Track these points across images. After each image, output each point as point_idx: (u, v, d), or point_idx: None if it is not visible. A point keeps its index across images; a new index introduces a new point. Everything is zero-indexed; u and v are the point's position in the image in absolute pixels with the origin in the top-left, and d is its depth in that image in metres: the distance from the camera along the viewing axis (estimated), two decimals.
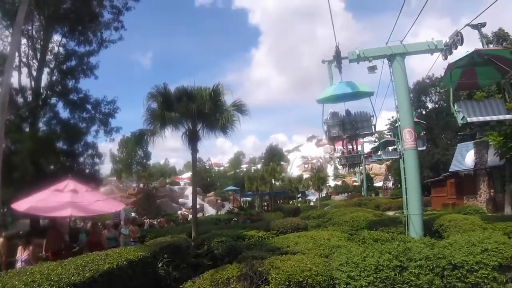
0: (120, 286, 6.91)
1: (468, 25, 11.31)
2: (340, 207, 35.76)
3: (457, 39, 11.32)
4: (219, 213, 46.99)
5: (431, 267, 6.97)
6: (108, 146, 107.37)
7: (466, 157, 26.38)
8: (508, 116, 10.94)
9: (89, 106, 24.60)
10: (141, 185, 54.87)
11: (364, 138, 34.39)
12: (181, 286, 7.36)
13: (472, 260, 6.97)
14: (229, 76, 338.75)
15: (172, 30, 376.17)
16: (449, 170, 27.41)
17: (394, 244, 8.19)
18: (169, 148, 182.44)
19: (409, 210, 12.70)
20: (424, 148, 17.64)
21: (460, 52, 11.06)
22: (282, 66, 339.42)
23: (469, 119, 10.48)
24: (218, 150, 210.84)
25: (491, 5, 8.97)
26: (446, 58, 12.15)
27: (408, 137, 12.27)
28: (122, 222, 33.93)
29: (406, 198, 12.90)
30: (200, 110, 14.75)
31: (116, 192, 58.85)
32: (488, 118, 10.72)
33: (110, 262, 6.87)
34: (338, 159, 23.35)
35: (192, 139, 15.73)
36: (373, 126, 14.84)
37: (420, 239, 10.47)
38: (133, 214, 42.04)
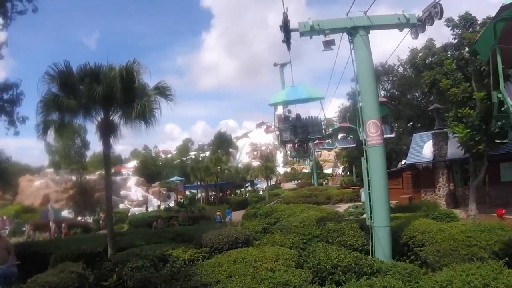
0: None
1: None
2: (290, 200, 33.88)
3: (435, 12, 9.53)
4: (162, 207, 43.29)
5: None
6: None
7: (423, 149, 24.73)
8: None
9: None
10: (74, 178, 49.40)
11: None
12: None
13: None
14: (179, 59, 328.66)
15: (120, 9, 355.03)
16: (406, 163, 25.80)
17: None
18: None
19: (375, 221, 10.28)
20: (392, 135, 15.78)
21: (436, 29, 8.61)
22: (233, 51, 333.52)
23: None
24: (167, 136, 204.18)
25: None
26: (416, 37, 10.66)
27: (373, 130, 9.75)
28: (51, 223, 29.86)
29: (370, 205, 10.44)
30: (108, 95, 11.33)
31: (51, 186, 53.09)
32: None
33: None
34: (288, 152, 21.11)
35: (103, 131, 12.31)
36: (323, 130, 15.25)
37: (395, 268, 8.03)
38: (62, 213, 37.36)
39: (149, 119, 11.88)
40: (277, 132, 15.76)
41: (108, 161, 13.08)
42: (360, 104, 10.32)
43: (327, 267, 8.58)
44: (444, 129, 23.12)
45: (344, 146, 22.00)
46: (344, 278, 8.26)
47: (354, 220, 15.41)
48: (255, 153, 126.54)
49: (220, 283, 7.96)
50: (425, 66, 20.34)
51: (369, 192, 10.36)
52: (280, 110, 17.23)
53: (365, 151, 10.06)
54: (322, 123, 15.27)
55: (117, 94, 11.31)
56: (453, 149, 21.80)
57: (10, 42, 20.54)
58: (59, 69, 11.65)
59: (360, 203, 28.17)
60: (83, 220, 36.50)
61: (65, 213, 39.06)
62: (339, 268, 8.44)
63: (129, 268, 9.79)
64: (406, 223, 12.43)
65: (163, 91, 12.39)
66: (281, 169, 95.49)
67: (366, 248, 11.36)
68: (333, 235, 12.78)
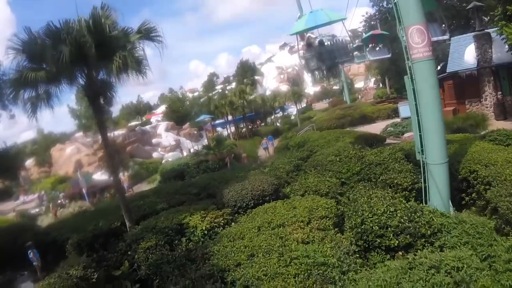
0: None
1: None
2: (322, 123, 31.80)
3: None
4: (193, 149, 42.42)
5: None
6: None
7: (465, 54, 21.32)
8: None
9: None
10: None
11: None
12: None
13: None
14: None
15: None
16: (447, 71, 22.49)
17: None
18: (142, 82, 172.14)
19: (428, 156, 8.21)
20: (446, 37, 13.38)
21: None
22: None
23: None
24: (193, 74, 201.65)
25: None
26: None
27: (418, 40, 7.39)
28: (83, 190, 29.72)
29: (420, 136, 8.29)
30: (82, 53, 9.33)
31: (82, 151, 53.18)
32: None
33: None
34: (317, 78, 19.13)
35: (88, 95, 10.55)
36: (350, 52, 14.57)
37: (461, 226, 6.18)
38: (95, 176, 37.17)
39: (137, 68, 9.93)
40: (303, 62, 15.35)
41: (104, 125, 11.40)
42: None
43: (373, 227, 6.83)
44: (487, 30, 19.88)
45: (377, 58, 19.00)
46: (397, 242, 6.51)
47: (397, 146, 13.32)
48: (282, 76, 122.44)
49: (240, 267, 6.46)
50: None
51: (417, 120, 8.15)
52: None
53: (409, 67, 7.70)
54: (348, 45, 14.27)
55: (91, 50, 9.28)
56: (500, 53, 18.93)
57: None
58: (22, 39, 9.69)
59: (399, 120, 25.81)
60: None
61: (99, 175, 39.11)
62: (389, 229, 6.66)
63: (142, 249, 8.60)
64: (462, 150, 10.26)
65: (147, 33, 10.23)
66: (310, 89, 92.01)
67: (417, 187, 9.48)
68: (375, 170, 10.96)
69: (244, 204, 10.18)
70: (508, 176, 7.78)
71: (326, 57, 14.16)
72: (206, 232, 8.95)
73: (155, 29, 10.22)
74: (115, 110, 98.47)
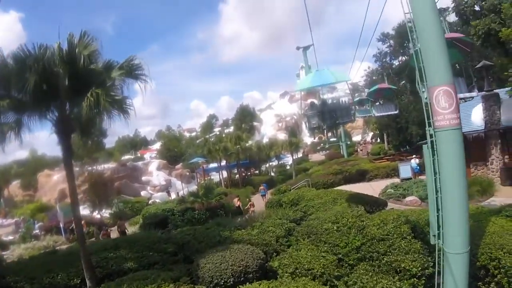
0: None
1: None
2: (318, 179, 30.51)
3: None
4: (182, 193, 40.58)
5: None
6: None
7: (472, 115, 20.57)
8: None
9: None
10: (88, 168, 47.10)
11: None
12: None
13: None
14: (199, 35, 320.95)
15: None
16: None
17: None
18: (143, 116, 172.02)
19: (446, 243, 6.80)
20: (474, 95, 12.51)
21: None
22: (253, 21, 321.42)
23: None
24: (193, 113, 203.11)
25: None
26: None
27: (444, 104, 6.18)
28: (61, 224, 27.66)
29: (437, 216, 6.91)
30: (53, 84, 8.14)
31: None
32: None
33: None
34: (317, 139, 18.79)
35: (58, 130, 9.28)
36: (352, 114, 15.02)
37: None
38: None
39: (112, 108, 8.70)
40: (305, 119, 15.92)
41: (70, 166, 9.96)
42: (417, 47, 6.60)
43: None
44: (495, 90, 19.31)
45: (383, 114, 17.80)
46: None
47: (401, 216, 11.86)
48: (280, 124, 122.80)
49: None
50: (474, 13, 16.32)
51: (435, 198, 6.81)
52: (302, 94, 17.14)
53: (430, 135, 6.49)
54: (350, 106, 14.81)
55: (63, 82, 8.10)
56: (508, 115, 18.28)
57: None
58: None
59: (399, 181, 24.57)
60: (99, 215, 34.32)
61: (81, 209, 37.08)
62: None
63: None
64: (477, 229, 8.85)
65: (130, 70, 9.10)
66: (307, 139, 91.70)
67: (427, 273, 7.99)
68: (378, 247, 9.40)
69: (222, 281, 8.55)
70: None
71: (327, 117, 14.46)
72: None
73: (140, 66, 9.10)
74: (111, 142, 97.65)
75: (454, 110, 6.11)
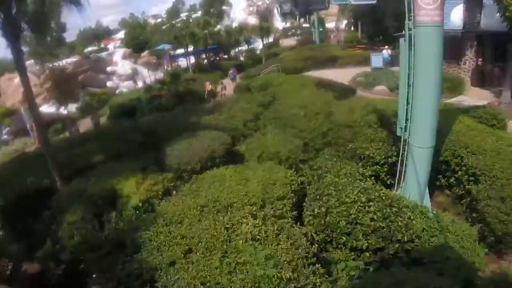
0: None
1: None
2: (289, 64, 29.96)
3: None
4: (149, 81, 39.18)
5: None
6: None
7: (452, 14, 19.86)
8: None
9: None
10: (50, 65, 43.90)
11: None
12: None
13: None
14: None
15: None
16: None
17: None
18: (104, 5, 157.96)
19: (413, 138, 6.90)
20: (374, 1, 11.52)
21: None
22: None
23: None
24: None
25: None
26: None
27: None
28: (28, 127, 26.70)
29: (406, 110, 6.89)
30: None
31: (32, 81, 47.75)
32: None
33: None
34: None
35: (8, 34, 8.35)
36: (326, 0, 13.26)
37: (446, 235, 5.09)
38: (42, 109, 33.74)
39: None
40: (277, 4, 12.40)
41: (23, 67, 9.14)
42: None
43: (340, 221, 5.58)
44: None
45: (361, 3, 16.70)
46: (366, 244, 5.31)
47: (370, 104, 11.94)
48: (251, 8, 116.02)
49: (175, 267, 5.09)
50: None
51: (407, 92, 6.68)
52: None
53: (409, 29, 6.09)
54: None
55: None
56: (488, 20, 17.69)
57: None
58: None
59: (369, 70, 24.42)
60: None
61: (46, 108, 35.41)
62: (359, 227, 5.43)
63: (67, 224, 7.07)
64: (444, 124, 9.02)
65: None
66: (279, 24, 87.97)
67: (390, 161, 8.31)
68: (344, 134, 9.62)
69: (189, 168, 8.62)
70: (499, 172, 6.70)
71: (300, 2, 12.42)
72: (141, 204, 7.42)
73: None
74: (73, 35, 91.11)
75: (438, 7, 5.74)
